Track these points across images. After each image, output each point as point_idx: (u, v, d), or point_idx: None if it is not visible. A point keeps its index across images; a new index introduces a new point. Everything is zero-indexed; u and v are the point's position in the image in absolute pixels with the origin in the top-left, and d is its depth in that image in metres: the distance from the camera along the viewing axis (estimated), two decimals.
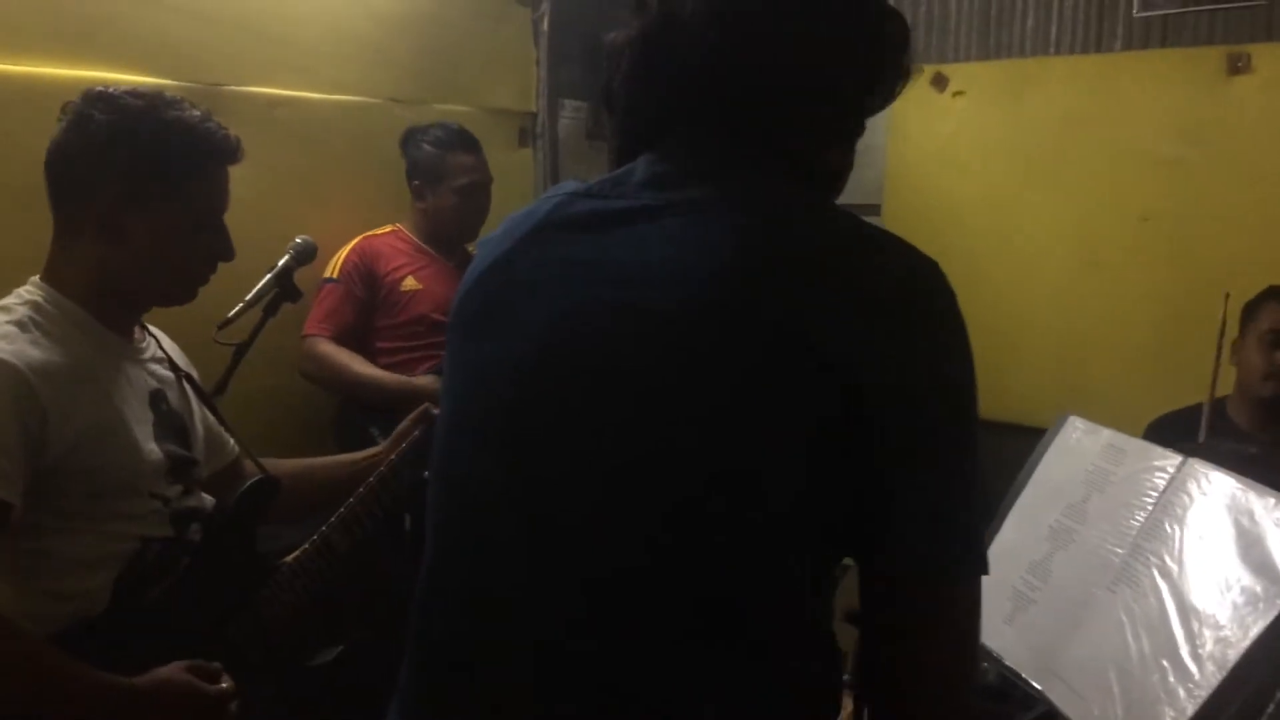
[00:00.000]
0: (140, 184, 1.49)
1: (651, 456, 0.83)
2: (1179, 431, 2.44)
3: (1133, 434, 1.53)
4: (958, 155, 3.24)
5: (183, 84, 2.52)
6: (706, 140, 0.93)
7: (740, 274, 0.83)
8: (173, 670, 1.43)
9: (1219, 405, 2.59)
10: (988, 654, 1.50)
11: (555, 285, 0.90)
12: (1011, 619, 1.48)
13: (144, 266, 1.52)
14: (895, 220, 3.31)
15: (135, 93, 1.52)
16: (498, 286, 0.95)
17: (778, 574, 0.86)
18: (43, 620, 1.42)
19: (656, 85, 0.94)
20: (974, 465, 0.86)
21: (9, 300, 1.48)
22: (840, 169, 1.02)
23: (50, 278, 1.51)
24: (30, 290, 1.50)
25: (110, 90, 1.51)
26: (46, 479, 1.39)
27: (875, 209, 3.33)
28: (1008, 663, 1.46)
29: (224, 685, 1.48)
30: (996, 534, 1.59)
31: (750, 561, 0.84)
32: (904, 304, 0.85)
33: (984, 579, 1.64)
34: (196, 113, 1.54)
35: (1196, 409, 2.61)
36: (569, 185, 0.98)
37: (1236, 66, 2.82)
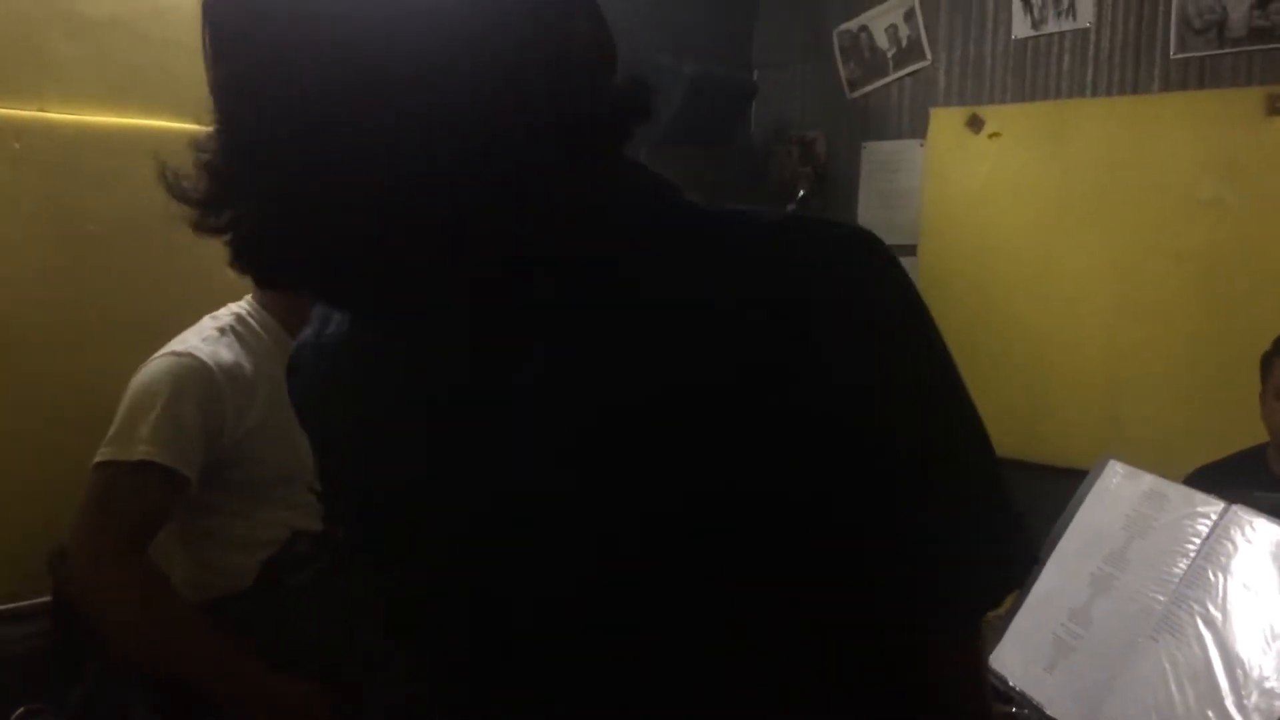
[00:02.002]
0: None
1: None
2: (1220, 482, 2.41)
3: (1171, 477, 1.52)
4: (994, 196, 3.24)
5: None
6: None
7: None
8: (309, 687, 1.57)
9: (1259, 453, 2.56)
10: (1028, 702, 1.49)
11: None
12: (1053, 667, 1.47)
13: None
14: (931, 261, 3.30)
15: None
16: None
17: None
18: (197, 588, 1.65)
19: None
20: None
21: (223, 310, 1.75)
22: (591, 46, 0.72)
23: (259, 295, 1.76)
24: (241, 304, 1.76)
25: None
26: (219, 464, 1.63)
27: (911, 249, 3.33)
28: (1049, 713, 1.44)
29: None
30: (1037, 579, 1.58)
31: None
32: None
33: (1024, 625, 1.62)
34: None
35: (1236, 458, 2.58)
36: None
37: (1275, 107, 2.81)
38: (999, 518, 0.73)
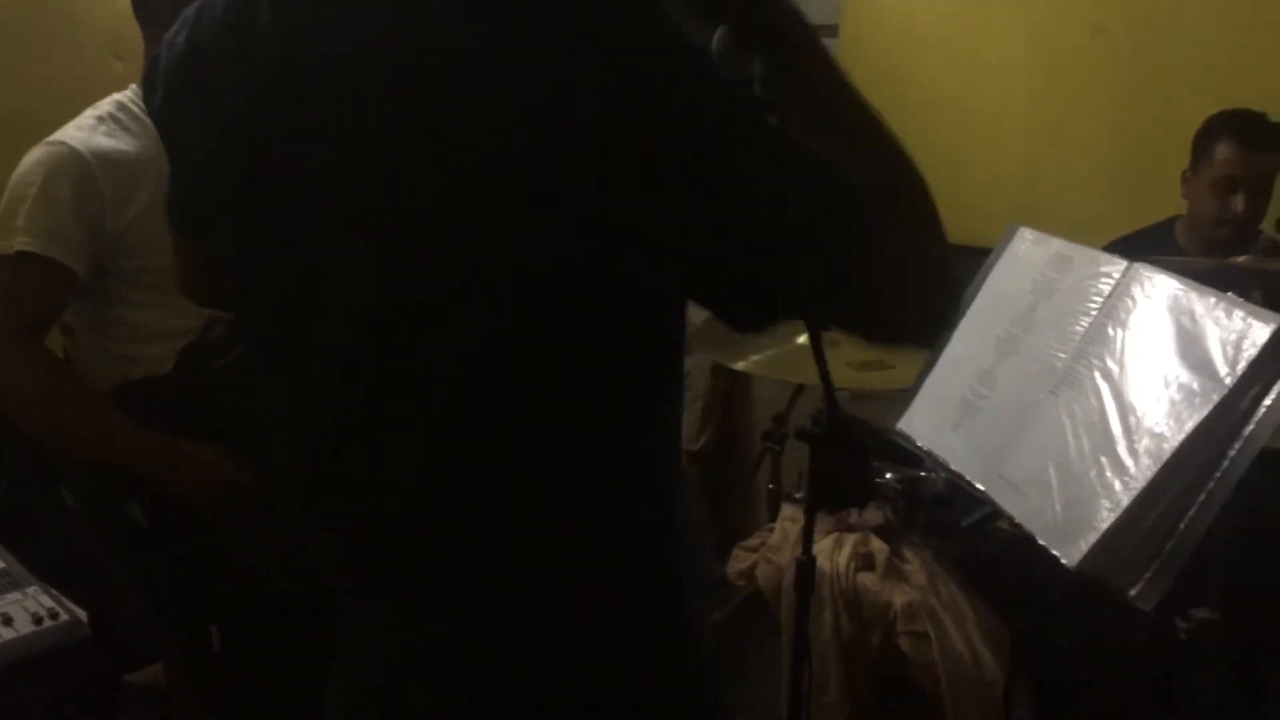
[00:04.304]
0: None
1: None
2: (1130, 253, 2.45)
3: None
4: None
5: None
6: None
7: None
8: (212, 446, 1.60)
9: (1168, 226, 2.61)
10: (936, 461, 1.55)
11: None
12: (959, 426, 1.52)
13: None
14: (854, 43, 3.23)
15: None
16: None
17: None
18: (113, 377, 1.65)
19: None
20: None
21: (105, 100, 1.69)
22: None
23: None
24: (125, 93, 1.69)
25: None
26: (112, 253, 1.61)
27: (833, 29, 3.25)
28: (954, 468, 1.50)
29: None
30: (946, 346, 1.62)
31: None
32: None
33: (933, 390, 1.67)
34: None
35: (1147, 232, 2.62)
36: None
37: None
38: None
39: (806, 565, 1.77)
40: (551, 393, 0.78)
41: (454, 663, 0.85)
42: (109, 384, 1.64)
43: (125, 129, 1.65)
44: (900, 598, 2.00)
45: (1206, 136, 2.46)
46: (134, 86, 1.71)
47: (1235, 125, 2.40)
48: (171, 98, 0.89)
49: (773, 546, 2.20)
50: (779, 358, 2.07)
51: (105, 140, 1.62)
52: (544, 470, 0.80)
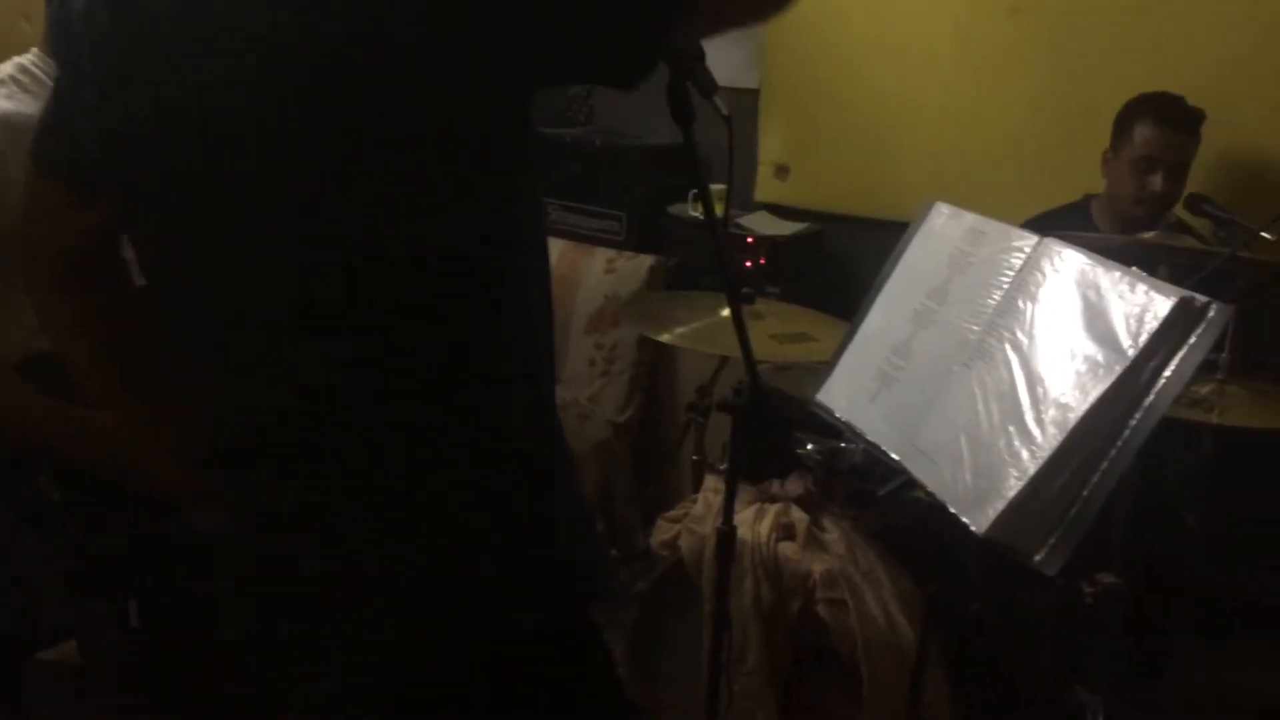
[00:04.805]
0: None
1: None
2: (1046, 229, 2.51)
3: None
4: None
5: None
6: None
7: None
8: None
9: (1085, 205, 2.68)
10: (854, 432, 1.58)
11: None
12: (875, 398, 1.55)
13: None
14: (778, 23, 3.23)
15: None
16: None
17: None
18: (21, 349, 1.60)
19: None
20: None
21: (6, 63, 1.69)
22: None
23: (45, 44, 1.64)
24: (27, 55, 1.70)
25: None
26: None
27: None
28: (871, 439, 1.53)
29: None
30: (864, 319, 1.65)
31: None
32: None
33: (851, 362, 1.70)
34: None
35: (1063, 210, 2.69)
36: None
37: None
38: None
39: (727, 535, 1.79)
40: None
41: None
42: (17, 356, 1.60)
43: (27, 90, 1.64)
44: (819, 566, 2.04)
45: (1127, 118, 2.53)
46: (35, 49, 1.70)
47: (1155, 107, 2.47)
48: (50, 43, 0.98)
49: (696, 517, 2.23)
50: (704, 330, 2.09)
51: (4, 103, 1.62)
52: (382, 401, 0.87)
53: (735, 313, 1.47)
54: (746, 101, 3.36)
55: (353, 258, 0.83)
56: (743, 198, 3.37)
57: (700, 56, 1.31)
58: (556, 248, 3.47)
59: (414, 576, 0.90)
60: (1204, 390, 1.96)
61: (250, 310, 0.88)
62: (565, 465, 0.99)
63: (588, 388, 3.31)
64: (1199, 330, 1.17)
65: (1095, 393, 1.22)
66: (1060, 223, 2.63)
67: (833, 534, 2.12)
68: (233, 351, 0.91)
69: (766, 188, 3.42)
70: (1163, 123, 2.45)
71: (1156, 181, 2.45)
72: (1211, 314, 1.17)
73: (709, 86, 1.33)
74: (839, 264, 3.24)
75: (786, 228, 3.23)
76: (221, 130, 0.82)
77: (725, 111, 1.47)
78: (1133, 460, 1.20)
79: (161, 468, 1.33)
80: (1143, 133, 2.47)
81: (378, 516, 0.90)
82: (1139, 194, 2.48)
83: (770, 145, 3.40)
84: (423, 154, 0.80)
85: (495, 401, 0.91)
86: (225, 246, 0.86)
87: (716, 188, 1.37)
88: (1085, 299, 1.29)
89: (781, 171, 3.40)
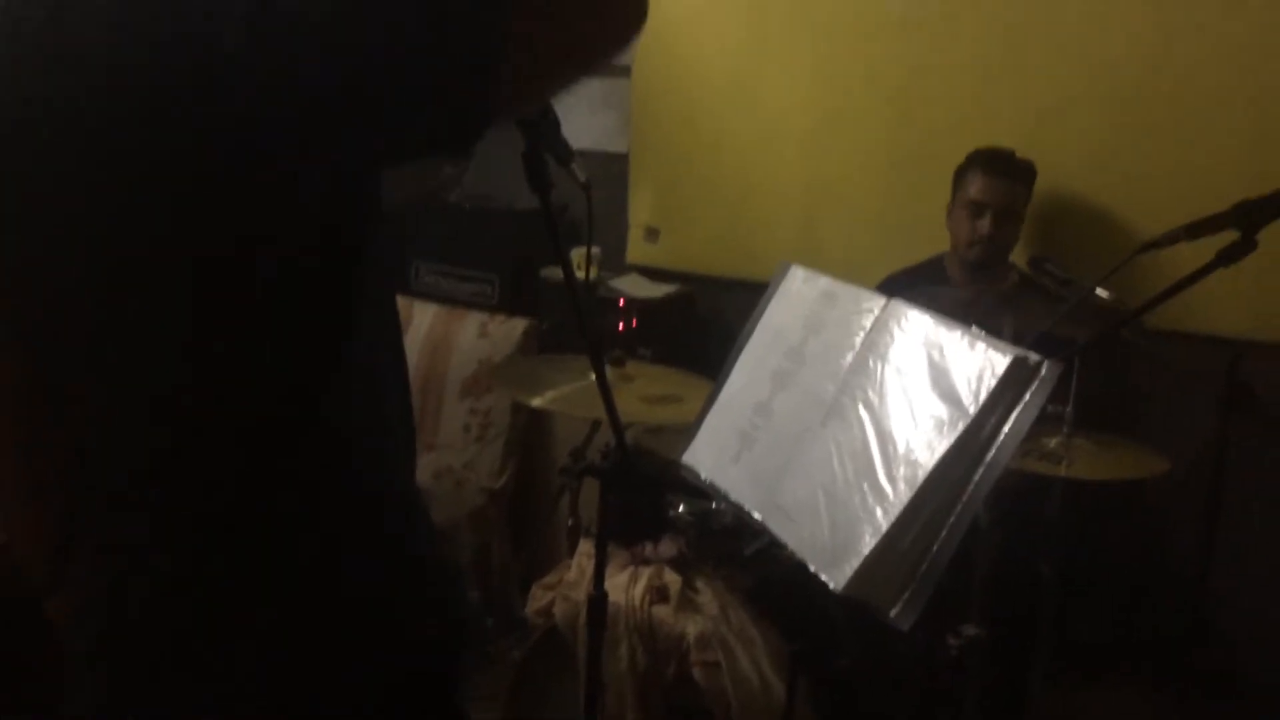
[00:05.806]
0: None
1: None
2: (907, 285, 2.63)
3: (864, 286, 1.61)
4: (703, 16, 3.26)
5: None
6: None
7: None
8: None
9: (940, 260, 2.80)
10: (718, 493, 1.59)
11: None
12: (738, 458, 1.57)
13: None
14: (646, 81, 3.31)
15: None
16: None
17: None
18: None
19: None
20: None
21: None
22: None
23: None
24: None
25: None
26: None
27: (625, 70, 3.33)
28: (734, 499, 1.55)
29: None
30: (726, 380, 1.67)
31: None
32: None
33: (715, 423, 1.72)
34: None
35: (921, 266, 2.82)
36: None
37: None
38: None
39: (599, 601, 1.78)
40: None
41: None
42: None
43: None
44: (694, 628, 2.05)
45: (962, 170, 2.72)
46: None
47: (984, 158, 2.68)
48: None
49: (569, 583, 2.21)
50: (576, 394, 2.09)
51: None
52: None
53: (599, 376, 1.48)
54: (617, 166, 3.42)
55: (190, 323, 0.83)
56: (615, 261, 3.40)
57: (556, 124, 1.33)
58: (430, 312, 3.44)
59: (262, 634, 0.89)
60: (1052, 443, 2.05)
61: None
62: (421, 529, 0.99)
63: (463, 454, 3.27)
64: (1033, 387, 1.22)
65: (941, 448, 1.26)
66: (918, 276, 2.75)
67: (705, 595, 2.13)
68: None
69: (637, 250, 3.47)
70: (990, 172, 2.65)
71: (985, 225, 2.64)
72: (1044, 372, 1.23)
73: (565, 154, 1.35)
74: (710, 325, 3.29)
75: (657, 290, 3.27)
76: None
77: (583, 178, 1.49)
78: (986, 514, 1.24)
79: (22, 553, 1.27)
80: (973, 180, 2.67)
81: (231, 574, 0.89)
82: (971, 237, 2.66)
83: (640, 208, 3.45)
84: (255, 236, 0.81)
85: (334, 463, 0.90)
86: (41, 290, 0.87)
87: (584, 251, 1.39)
88: (930, 358, 1.34)
89: (652, 234, 3.45)
